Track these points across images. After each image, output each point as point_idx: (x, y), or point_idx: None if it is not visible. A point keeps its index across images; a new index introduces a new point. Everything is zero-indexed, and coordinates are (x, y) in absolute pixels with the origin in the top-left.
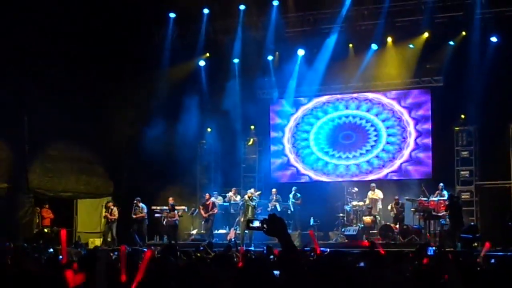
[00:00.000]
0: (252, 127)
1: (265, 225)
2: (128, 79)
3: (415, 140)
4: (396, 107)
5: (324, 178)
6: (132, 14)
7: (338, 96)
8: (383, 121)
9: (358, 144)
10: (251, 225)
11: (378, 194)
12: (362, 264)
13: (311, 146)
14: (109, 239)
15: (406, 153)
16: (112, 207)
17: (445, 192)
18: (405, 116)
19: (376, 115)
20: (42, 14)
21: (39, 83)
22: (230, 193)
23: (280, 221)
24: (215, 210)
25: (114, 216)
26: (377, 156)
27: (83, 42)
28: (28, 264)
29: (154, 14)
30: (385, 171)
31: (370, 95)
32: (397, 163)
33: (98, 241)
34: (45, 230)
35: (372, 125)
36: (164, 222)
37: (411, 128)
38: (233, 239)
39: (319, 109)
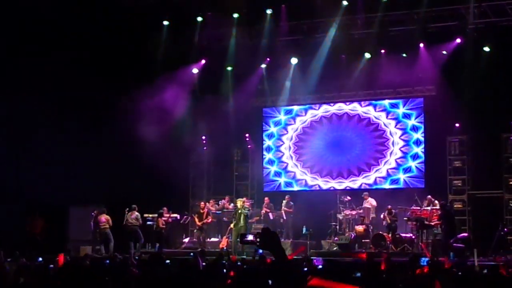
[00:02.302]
0: (247, 134)
1: (258, 239)
2: (121, 85)
3: (407, 149)
4: (386, 116)
5: (320, 182)
6: (126, 21)
7: (330, 105)
8: (377, 129)
9: (351, 151)
10: (244, 239)
11: (371, 202)
12: (358, 274)
13: (300, 156)
14: (97, 247)
15: (397, 161)
16: (105, 215)
17: (436, 202)
18: (397, 125)
19: (368, 124)
20: (35, 19)
21: (31, 88)
22: (223, 201)
23: (273, 235)
24: (209, 219)
25: (109, 224)
26: (369, 165)
27: (77, 49)
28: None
29: (148, 22)
30: (377, 180)
31: (361, 105)
32: (389, 171)
33: (89, 249)
34: (37, 238)
35: (364, 134)
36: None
37: (402, 137)
38: (225, 248)
39: (312, 118)
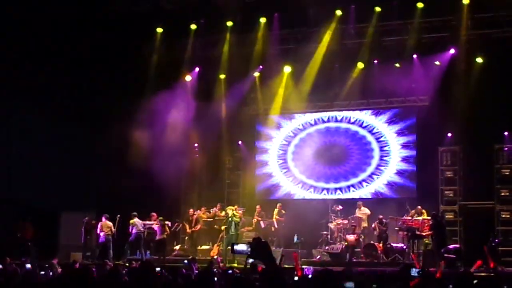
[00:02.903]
0: (240, 142)
1: (249, 249)
2: (114, 92)
3: (399, 158)
4: (379, 126)
5: (310, 193)
6: (120, 28)
7: (323, 114)
8: (370, 139)
9: (344, 161)
10: (235, 248)
11: (365, 211)
12: (351, 284)
13: (291, 165)
14: (87, 254)
15: (390, 171)
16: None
17: (424, 211)
18: (389, 135)
19: (361, 134)
20: (30, 27)
21: (27, 96)
22: (215, 209)
23: (264, 244)
24: (198, 227)
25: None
26: (361, 174)
27: (70, 56)
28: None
29: (142, 29)
30: (369, 189)
31: (354, 115)
32: (381, 181)
33: (79, 255)
34: (29, 243)
35: (356, 144)
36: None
37: (395, 147)
38: (215, 257)
39: (305, 127)
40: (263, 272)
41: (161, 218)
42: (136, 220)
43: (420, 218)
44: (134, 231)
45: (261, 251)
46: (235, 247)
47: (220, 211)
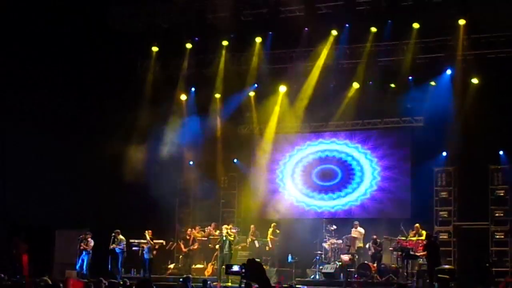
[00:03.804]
0: (235, 160)
1: (243, 270)
2: (109, 110)
3: (394, 179)
4: (373, 146)
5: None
6: (115, 46)
7: (318, 132)
8: (365, 159)
9: (339, 181)
10: (230, 270)
11: (360, 231)
12: None
13: (287, 185)
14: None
15: (384, 191)
16: (88, 238)
17: (423, 232)
18: (384, 155)
19: (357, 153)
20: (25, 42)
21: (19, 112)
22: (209, 228)
23: (258, 266)
24: (196, 246)
25: (89, 247)
26: (355, 195)
27: (66, 73)
28: None
29: (137, 47)
30: (362, 208)
31: (347, 136)
32: (375, 201)
33: (74, 273)
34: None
35: (351, 164)
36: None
37: (390, 167)
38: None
39: (298, 145)
40: None
41: (150, 236)
42: (121, 237)
43: (414, 238)
44: (121, 247)
45: (255, 272)
46: (230, 268)
47: (215, 230)
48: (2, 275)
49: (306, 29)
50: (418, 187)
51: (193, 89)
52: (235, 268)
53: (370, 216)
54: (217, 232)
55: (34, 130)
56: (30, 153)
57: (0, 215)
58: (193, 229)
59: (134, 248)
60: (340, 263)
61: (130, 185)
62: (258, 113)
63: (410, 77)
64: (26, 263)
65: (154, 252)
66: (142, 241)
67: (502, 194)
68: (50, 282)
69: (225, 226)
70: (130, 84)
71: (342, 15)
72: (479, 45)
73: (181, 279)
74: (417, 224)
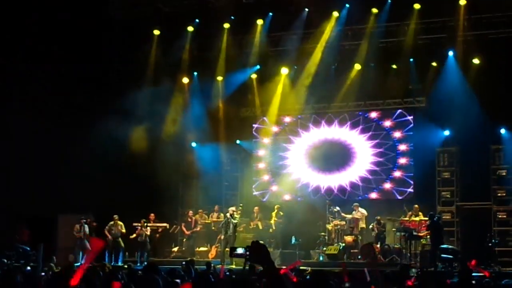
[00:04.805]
0: (237, 141)
1: (247, 252)
2: (112, 94)
3: (397, 160)
4: (373, 129)
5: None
6: (117, 30)
7: (320, 114)
8: (367, 140)
9: (341, 163)
10: (234, 252)
11: (361, 211)
12: (347, 285)
13: (290, 166)
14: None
15: (387, 172)
16: (89, 223)
17: (420, 213)
18: (387, 136)
19: (359, 134)
20: (24, 31)
21: (22, 98)
22: (215, 213)
23: (262, 248)
24: (198, 228)
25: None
26: (358, 176)
27: (65, 59)
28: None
29: (139, 31)
30: (366, 190)
31: (351, 114)
32: (378, 182)
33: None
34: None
35: (353, 145)
36: (138, 239)
37: (393, 148)
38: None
39: (300, 127)
40: (261, 273)
41: (145, 220)
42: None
43: (417, 218)
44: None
45: (259, 254)
46: (234, 251)
47: (218, 213)
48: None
49: (306, 9)
50: (420, 167)
51: (195, 72)
52: (239, 250)
53: (372, 197)
54: (222, 215)
55: (35, 115)
56: (28, 140)
57: (2, 204)
58: (196, 214)
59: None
60: (343, 244)
61: (133, 170)
62: (260, 95)
63: (411, 59)
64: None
65: (157, 235)
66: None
67: (504, 174)
68: (110, 267)
69: (231, 208)
70: (133, 68)
71: None
72: (480, 25)
73: (183, 262)
74: (416, 205)
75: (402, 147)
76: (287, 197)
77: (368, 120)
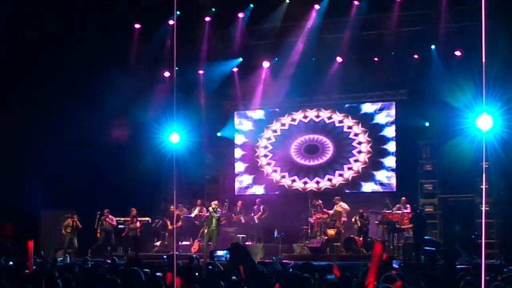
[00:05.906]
0: (218, 134)
1: (228, 255)
2: (91, 87)
3: (379, 152)
4: (358, 120)
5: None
6: (97, 24)
7: (302, 107)
8: (348, 132)
9: (323, 156)
10: (214, 255)
11: (342, 206)
12: (330, 276)
13: (272, 159)
14: (70, 250)
15: (369, 166)
16: (75, 218)
17: (408, 205)
18: (368, 129)
19: (340, 126)
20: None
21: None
22: (197, 208)
23: (242, 249)
24: (179, 224)
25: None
26: (340, 169)
27: (48, 52)
28: None
29: (119, 25)
30: (348, 183)
31: (333, 106)
32: (361, 175)
33: (61, 253)
34: (7, 242)
35: (334, 138)
36: (125, 234)
37: (374, 141)
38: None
39: (282, 120)
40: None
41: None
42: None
43: (399, 211)
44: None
45: (240, 255)
46: (214, 253)
47: (200, 207)
48: None
49: (287, 1)
50: (402, 160)
51: (176, 65)
52: (219, 253)
53: (354, 190)
54: (204, 210)
55: (16, 109)
56: (10, 132)
57: None
58: (177, 208)
59: (120, 226)
60: (326, 238)
61: (114, 164)
62: (241, 89)
63: (392, 52)
64: None
65: (138, 230)
66: (127, 219)
67: (486, 166)
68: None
69: (214, 202)
70: (113, 61)
71: None
72: (461, 17)
73: (164, 256)
74: (403, 198)
75: (384, 139)
76: (269, 190)
77: (350, 113)
